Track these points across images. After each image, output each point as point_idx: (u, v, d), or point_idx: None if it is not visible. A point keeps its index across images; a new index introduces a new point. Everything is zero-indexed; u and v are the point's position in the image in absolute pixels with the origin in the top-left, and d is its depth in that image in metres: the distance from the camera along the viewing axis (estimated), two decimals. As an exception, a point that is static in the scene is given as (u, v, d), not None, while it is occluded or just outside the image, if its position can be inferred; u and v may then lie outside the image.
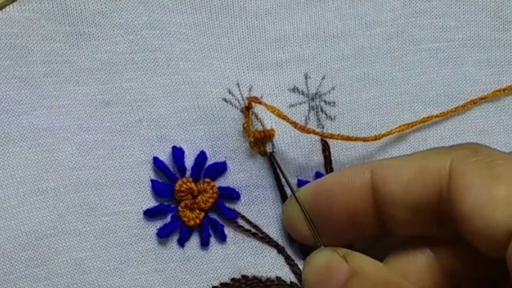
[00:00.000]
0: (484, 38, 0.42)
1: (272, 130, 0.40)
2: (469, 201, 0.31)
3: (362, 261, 0.35)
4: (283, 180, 0.40)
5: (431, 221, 0.34)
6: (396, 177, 0.34)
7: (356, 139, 0.39)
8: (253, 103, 0.40)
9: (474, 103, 0.42)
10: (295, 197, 0.38)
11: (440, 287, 0.35)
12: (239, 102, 0.40)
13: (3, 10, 0.38)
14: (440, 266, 0.35)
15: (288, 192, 0.40)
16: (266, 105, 0.39)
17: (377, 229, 0.37)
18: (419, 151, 0.36)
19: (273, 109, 0.39)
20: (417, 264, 0.36)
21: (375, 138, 0.40)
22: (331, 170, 0.41)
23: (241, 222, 0.40)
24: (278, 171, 0.40)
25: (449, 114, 0.41)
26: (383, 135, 0.40)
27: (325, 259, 0.36)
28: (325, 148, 0.41)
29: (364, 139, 0.39)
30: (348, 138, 0.39)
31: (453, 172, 0.32)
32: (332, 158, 0.41)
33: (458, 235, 0.32)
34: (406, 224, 0.35)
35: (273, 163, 0.40)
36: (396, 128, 0.41)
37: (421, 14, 0.42)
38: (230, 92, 0.40)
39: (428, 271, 0.35)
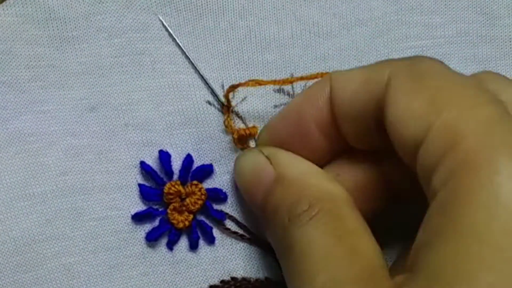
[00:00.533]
0: (471, 35, 0.42)
1: (254, 127, 0.40)
2: (391, 114, 0.31)
3: (286, 163, 0.35)
4: None
5: (376, 133, 0.34)
6: (345, 87, 0.34)
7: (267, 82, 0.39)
8: (231, 101, 0.40)
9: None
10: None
11: (375, 188, 0.36)
12: (223, 104, 0.40)
13: (-14, 15, 0.38)
14: (380, 173, 0.36)
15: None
16: (245, 83, 0.39)
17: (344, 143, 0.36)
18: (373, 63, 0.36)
19: (251, 83, 0.39)
20: (357, 168, 0.36)
21: (286, 80, 0.39)
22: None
23: (229, 223, 0.40)
24: None
25: None
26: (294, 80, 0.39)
27: (251, 162, 0.36)
28: None
29: (275, 82, 0.39)
30: (258, 83, 0.39)
31: (388, 84, 0.32)
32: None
33: None
34: (356, 137, 0.35)
35: None
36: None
37: (408, 11, 0.41)
38: (214, 94, 0.40)
39: (366, 175, 0.36)
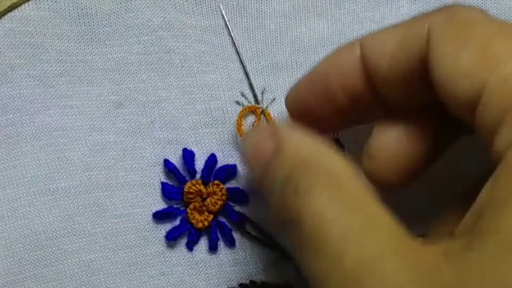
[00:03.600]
0: None
1: None
2: (438, 73, 0.29)
3: (286, 135, 0.32)
4: None
5: (422, 91, 0.32)
6: (380, 52, 0.32)
7: None
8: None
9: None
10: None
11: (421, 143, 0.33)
12: (252, 104, 0.40)
13: (19, 8, 0.38)
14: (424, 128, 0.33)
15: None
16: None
17: (376, 107, 0.34)
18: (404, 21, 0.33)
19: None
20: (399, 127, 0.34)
21: None
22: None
23: (249, 227, 0.40)
24: None
25: None
26: None
27: (254, 137, 0.33)
28: (340, 150, 0.40)
29: None
30: None
31: (429, 38, 0.30)
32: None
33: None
34: (399, 98, 0.33)
35: None
36: None
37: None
38: (243, 95, 0.40)
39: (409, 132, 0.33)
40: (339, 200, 0.28)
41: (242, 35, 0.40)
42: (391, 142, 0.34)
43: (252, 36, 0.40)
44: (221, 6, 0.40)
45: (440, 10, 0.31)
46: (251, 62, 0.40)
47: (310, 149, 0.31)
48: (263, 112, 0.40)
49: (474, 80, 0.27)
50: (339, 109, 0.34)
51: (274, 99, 0.40)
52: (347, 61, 0.33)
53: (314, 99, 0.35)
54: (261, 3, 0.40)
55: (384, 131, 0.34)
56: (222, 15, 0.40)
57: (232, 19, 0.40)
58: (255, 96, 0.40)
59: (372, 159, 0.34)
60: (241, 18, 0.40)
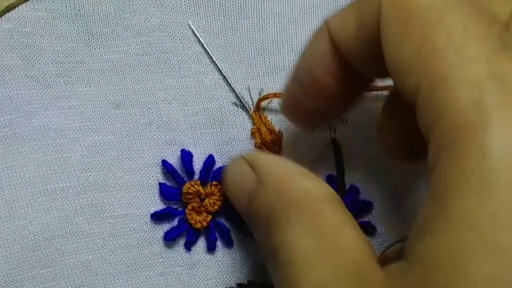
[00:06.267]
0: None
1: (280, 133, 0.40)
2: (386, 58, 0.29)
3: (266, 167, 0.34)
4: None
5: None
6: (342, 30, 0.32)
7: None
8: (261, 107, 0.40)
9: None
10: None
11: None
12: (249, 106, 0.40)
13: (16, 9, 0.38)
14: None
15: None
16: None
17: (363, 80, 0.35)
18: None
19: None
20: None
21: None
22: (343, 172, 0.40)
23: (247, 227, 0.40)
24: None
25: None
26: None
27: (235, 170, 0.36)
28: (337, 150, 0.40)
29: None
30: None
31: (379, 22, 0.29)
32: (344, 160, 0.40)
33: None
34: (372, 69, 0.32)
35: None
36: None
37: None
38: (240, 96, 0.40)
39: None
40: (310, 230, 0.30)
41: (241, 36, 0.40)
42: (391, 117, 0.35)
43: (251, 37, 0.40)
44: (189, 22, 0.40)
45: None
46: (249, 64, 0.40)
47: (290, 178, 0.33)
48: (257, 112, 0.40)
49: (411, 78, 0.27)
50: (332, 95, 0.34)
51: (271, 100, 0.40)
52: (321, 47, 0.33)
53: (306, 95, 0.35)
54: (260, 4, 0.40)
55: (386, 107, 0.35)
56: (193, 31, 0.40)
57: (231, 20, 0.40)
58: (240, 101, 0.40)
59: (379, 133, 0.35)
60: (240, 20, 0.40)
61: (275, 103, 0.40)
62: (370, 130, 0.40)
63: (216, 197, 0.39)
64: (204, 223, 0.39)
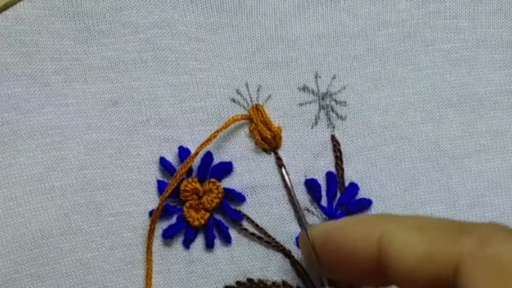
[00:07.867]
0: (499, 39, 0.41)
1: (279, 128, 0.40)
2: None
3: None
4: (289, 183, 0.40)
5: None
6: (403, 256, 0.31)
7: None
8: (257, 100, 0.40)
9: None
10: (307, 235, 0.36)
11: None
12: (247, 102, 0.40)
13: (13, 7, 0.38)
14: None
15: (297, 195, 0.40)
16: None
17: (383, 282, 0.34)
18: (430, 220, 0.33)
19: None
20: None
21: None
22: (342, 170, 0.40)
23: (246, 224, 0.40)
24: (289, 186, 0.40)
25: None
26: None
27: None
28: (336, 147, 0.40)
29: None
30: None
31: (458, 271, 0.29)
32: (344, 158, 0.40)
33: None
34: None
35: (283, 175, 0.40)
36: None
37: (435, 14, 0.41)
38: (238, 93, 0.40)
39: None
40: None
41: (238, 33, 0.40)
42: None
43: (248, 33, 0.40)
44: (282, 170, 0.40)
45: (473, 234, 0.30)
46: (247, 59, 0.40)
47: None
48: (256, 108, 0.40)
49: None
50: (341, 266, 0.34)
51: (269, 96, 0.40)
52: (364, 247, 0.33)
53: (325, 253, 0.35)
54: (258, 0, 0.40)
55: None
56: (287, 176, 0.40)
57: (228, 16, 0.40)
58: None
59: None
60: (237, 16, 0.40)
61: (274, 98, 0.40)
62: (370, 127, 0.40)
63: (214, 195, 0.39)
64: (202, 221, 0.39)
